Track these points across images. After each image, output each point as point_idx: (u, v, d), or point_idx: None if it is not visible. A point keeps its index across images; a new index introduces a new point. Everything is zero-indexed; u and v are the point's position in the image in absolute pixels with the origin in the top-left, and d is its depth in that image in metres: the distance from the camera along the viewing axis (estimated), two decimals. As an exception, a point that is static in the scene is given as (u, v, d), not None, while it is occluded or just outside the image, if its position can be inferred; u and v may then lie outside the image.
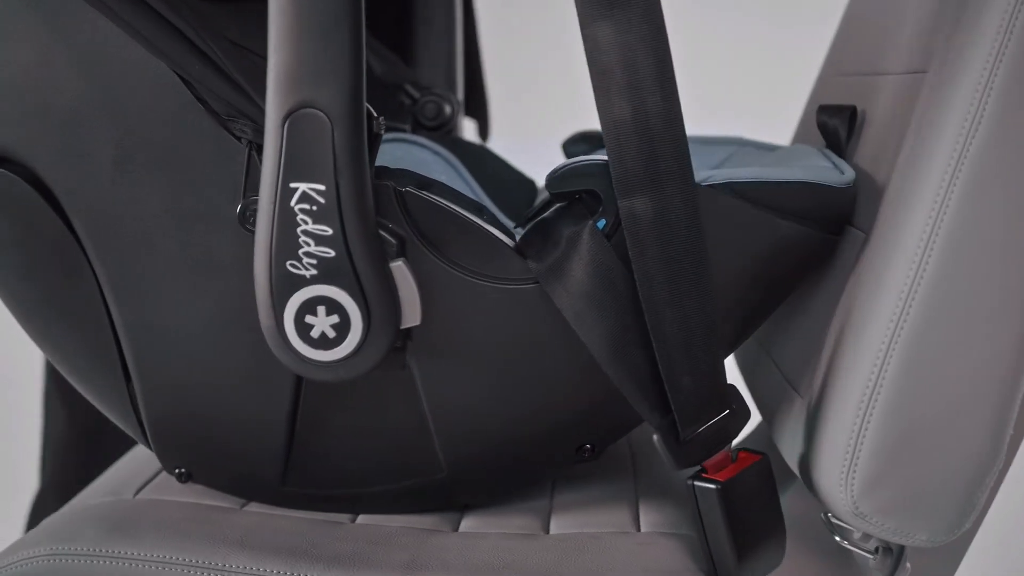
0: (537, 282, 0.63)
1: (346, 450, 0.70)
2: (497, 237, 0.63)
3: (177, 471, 0.72)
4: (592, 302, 0.61)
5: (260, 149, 0.62)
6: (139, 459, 0.80)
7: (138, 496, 0.73)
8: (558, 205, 0.64)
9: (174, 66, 0.61)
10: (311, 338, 0.59)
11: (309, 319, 0.59)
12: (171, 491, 0.73)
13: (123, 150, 0.63)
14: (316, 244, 0.58)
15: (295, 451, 0.69)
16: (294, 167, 0.57)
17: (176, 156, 0.63)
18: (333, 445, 0.69)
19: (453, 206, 0.63)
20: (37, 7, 0.61)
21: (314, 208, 0.57)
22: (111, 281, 0.66)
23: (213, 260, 0.64)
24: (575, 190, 0.63)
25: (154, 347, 0.67)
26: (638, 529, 0.70)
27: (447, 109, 1.01)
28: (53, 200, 0.65)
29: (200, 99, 0.62)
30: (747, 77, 1.59)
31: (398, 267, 0.60)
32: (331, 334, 0.59)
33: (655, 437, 0.60)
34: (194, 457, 0.72)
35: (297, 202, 0.57)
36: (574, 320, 0.62)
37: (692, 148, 0.92)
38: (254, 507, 0.72)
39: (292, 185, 0.57)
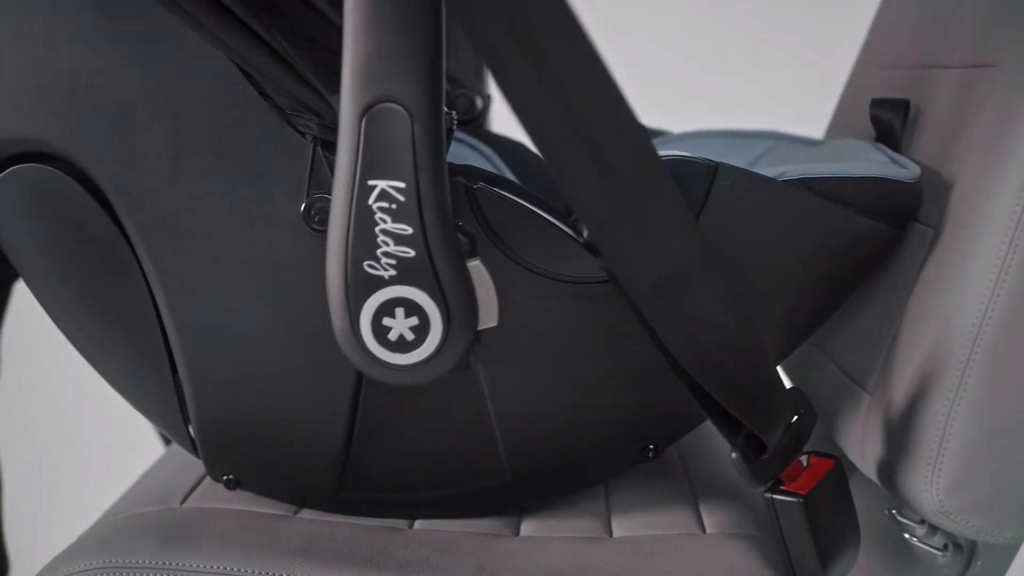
0: (607, 280, 0.62)
1: (406, 454, 0.68)
2: (568, 234, 0.62)
3: (225, 478, 0.70)
4: (668, 305, 0.59)
5: (325, 145, 0.60)
6: (175, 465, 0.78)
7: (185, 504, 0.70)
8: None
9: (238, 59, 0.59)
10: (388, 341, 0.57)
11: (387, 321, 0.57)
12: (219, 499, 0.71)
13: (179, 147, 0.61)
14: (395, 244, 0.56)
15: (352, 456, 0.67)
16: (372, 164, 0.55)
17: (236, 153, 0.60)
18: (392, 449, 0.67)
19: (523, 202, 0.61)
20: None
21: (393, 206, 0.55)
22: (163, 282, 0.63)
23: (273, 260, 0.62)
24: None
25: (208, 350, 0.64)
26: (703, 530, 0.69)
27: (479, 102, 0.99)
28: (102, 198, 0.62)
29: (263, 93, 0.60)
30: (762, 71, 1.59)
31: (475, 266, 0.58)
32: (409, 337, 0.57)
33: (733, 456, 0.59)
34: (244, 463, 0.69)
35: (375, 200, 0.55)
36: (643, 323, 0.60)
37: (729, 142, 0.92)
38: (307, 514, 0.70)
39: (370, 183, 0.55)
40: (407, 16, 0.54)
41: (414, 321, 0.57)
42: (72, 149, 0.61)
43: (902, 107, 0.74)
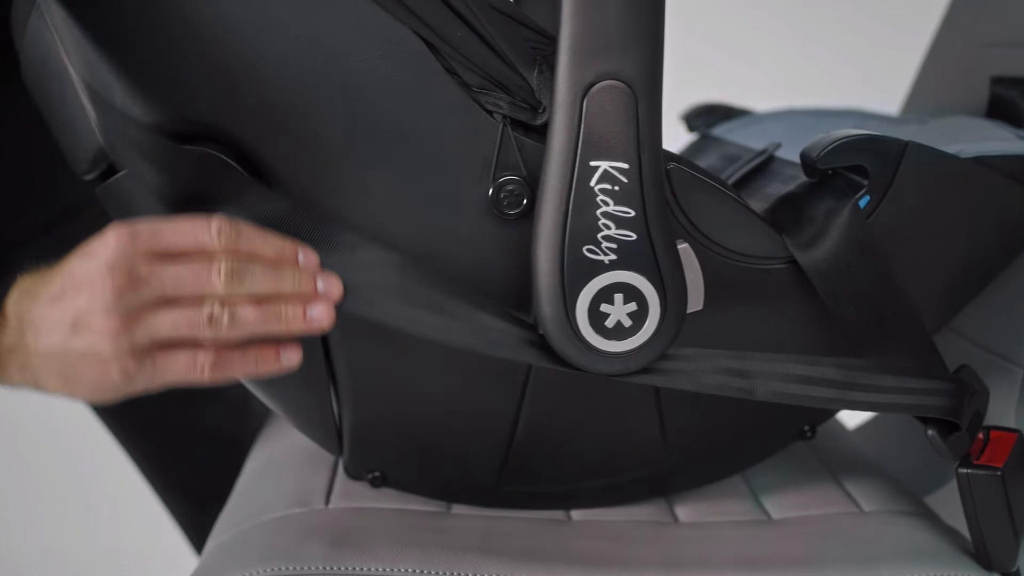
0: (787, 262, 0.61)
1: (568, 447, 0.66)
2: (755, 214, 0.60)
3: (371, 475, 0.66)
4: (850, 284, 0.59)
5: (516, 124, 0.57)
6: (289, 466, 0.74)
7: (332, 505, 0.66)
8: (809, 181, 0.62)
9: (426, 32, 0.55)
10: (605, 328, 0.55)
11: (604, 308, 0.54)
12: (365, 498, 0.67)
13: (354, 126, 0.56)
14: (617, 227, 0.53)
15: (514, 450, 0.65)
16: (594, 144, 0.53)
17: (416, 133, 0.57)
18: (555, 442, 0.65)
19: (713, 181, 0.60)
20: None
21: (616, 188, 0.53)
22: None
23: (451, 248, 0.59)
24: (828, 167, 0.61)
25: (371, 346, 0.61)
26: (860, 508, 0.69)
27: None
28: (265, 182, 0.58)
29: (450, 70, 0.56)
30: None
31: (684, 249, 0.57)
32: (627, 323, 0.55)
33: (929, 432, 0.59)
34: (395, 460, 0.66)
35: (597, 182, 0.53)
36: (829, 301, 0.60)
37: (816, 120, 0.92)
38: (460, 509, 0.67)
39: (592, 163, 0.53)
40: None
41: (632, 307, 0.55)
42: (231, 126, 0.56)
43: (1024, 85, 0.75)
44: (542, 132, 0.56)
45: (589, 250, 0.54)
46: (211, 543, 0.67)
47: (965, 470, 0.60)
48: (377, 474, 0.67)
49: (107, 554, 1.49)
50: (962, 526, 0.65)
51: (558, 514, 0.67)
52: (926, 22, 0.98)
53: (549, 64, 0.55)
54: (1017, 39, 0.81)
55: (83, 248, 0.50)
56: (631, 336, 0.55)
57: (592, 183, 0.53)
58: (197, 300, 0.49)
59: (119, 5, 0.52)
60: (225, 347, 0.50)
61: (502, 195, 0.57)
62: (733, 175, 0.72)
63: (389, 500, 0.67)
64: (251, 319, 0.49)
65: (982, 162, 0.62)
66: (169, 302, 0.49)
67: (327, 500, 0.67)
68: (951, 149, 0.63)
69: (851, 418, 0.91)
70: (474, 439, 0.64)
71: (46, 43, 0.58)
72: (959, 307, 0.69)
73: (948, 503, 0.73)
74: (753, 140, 0.87)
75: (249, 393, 1.03)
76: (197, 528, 1.07)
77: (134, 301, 0.48)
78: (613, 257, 0.54)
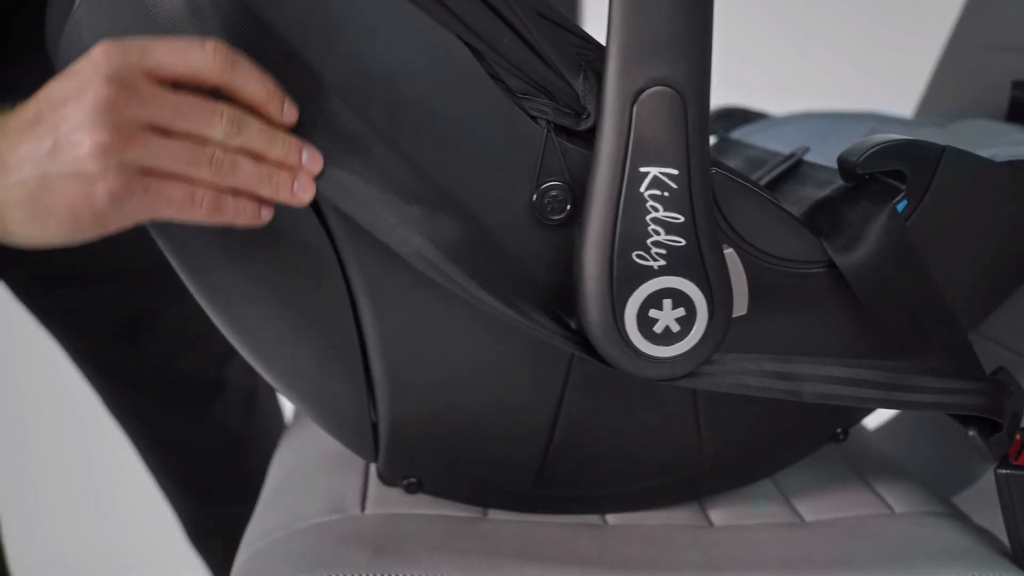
0: (825, 266, 0.61)
1: (607, 450, 0.66)
2: (795, 218, 0.61)
3: (406, 481, 0.66)
4: (889, 287, 0.60)
5: (559, 130, 0.57)
6: (320, 472, 0.73)
7: (367, 512, 0.66)
8: (845, 185, 0.63)
9: (471, 37, 0.55)
10: (653, 333, 0.55)
11: (653, 313, 0.55)
12: (400, 504, 0.67)
13: (396, 134, 0.56)
14: (666, 232, 0.54)
15: (551, 455, 0.65)
16: (644, 150, 0.53)
17: (459, 139, 0.56)
18: (593, 446, 0.65)
19: (751, 185, 0.60)
20: None
21: (666, 194, 0.53)
22: (367, 280, 0.59)
23: (490, 252, 0.59)
24: (867, 172, 0.61)
25: (410, 351, 0.61)
26: (891, 510, 0.69)
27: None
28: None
29: (494, 76, 0.56)
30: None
31: (729, 254, 0.57)
32: (675, 328, 0.55)
33: (970, 433, 0.60)
34: (432, 466, 0.66)
35: (647, 188, 0.53)
36: (868, 304, 0.60)
37: (832, 123, 0.93)
38: (496, 515, 0.67)
39: (642, 169, 0.53)
40: None
41: (680, 312, 0.55)
42: None
43: (1046, 89, 0.75)
44: (585, 138, 0.56)
45: (638, 256, 0.54)
46: (245, 552, 0.67)
47: (1004, 471, 0.61)
48: (413, 480, 0.66)
49: (111, 554, 1.49)
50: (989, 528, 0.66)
51: (593, 518, 0.67)
52: (927, 23, 0.99)
53: (594, 70, 0.55)
54: (999, 43, 0.82)
55: (63, 72, 0.46)
56: (679, 341, 0.56)
57: (642, 189, 0.53)
58: (198, 138, 0.47)
59: None
60: (219, 190, 0.49)
61: (546, 201, 0.57)
62: (762, 179, 0.72)
63: (425, 506, 0.67)
64: (249, 172, 0.49)
65: (1016, 166, 0.63)
66: (165, 132, 0.46)
67: (362, 506, 0.67)
68: (984, 153, 0.64)
69: (868, 420, 0.92)
70: (512, 442, 0.64)
71: None
72: (989, 311, 0.69)
73: (969, 505, 0.74)
74: (772, 143, 0.87)
75: (256, 388, 1.03)
76: (199, 526, 1.06)
77: (129, 116, 0.45)
78: (662, 263, 0.54)
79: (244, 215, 0.50)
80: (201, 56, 0.47)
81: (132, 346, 0.89)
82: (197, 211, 0.48)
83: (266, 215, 0.51)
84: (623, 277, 0.54)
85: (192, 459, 0.98)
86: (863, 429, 0.85)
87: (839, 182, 0.64)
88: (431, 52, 0.55)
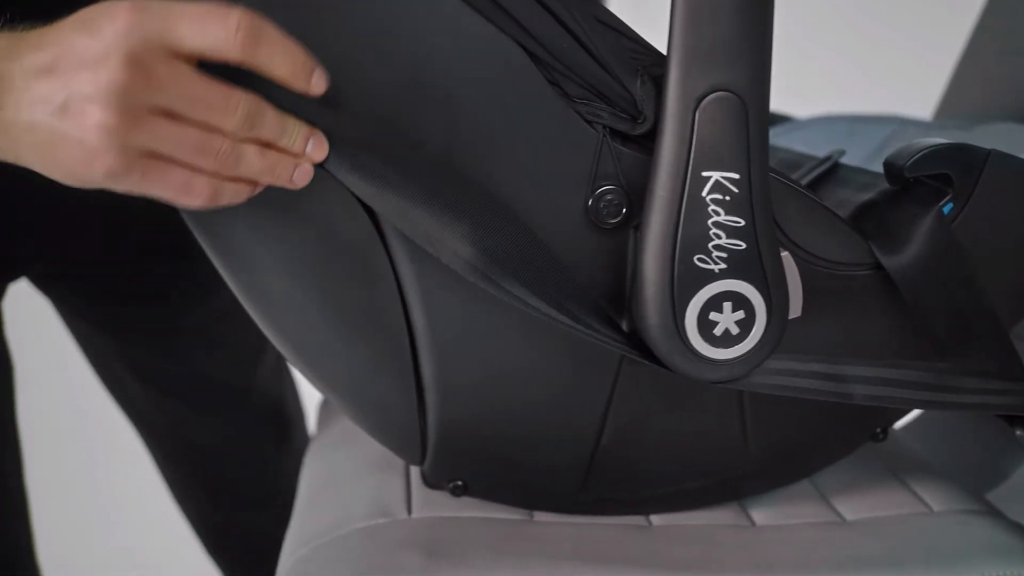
0: (872, 268, 0.62)
1: (654, 452, 0.66)
2: (844, 221, 0.61)
3: (452, 484, 0.66)
4: (935, 289, 0.60)
5: (614, 134, 0.57)
6: (361, 476, 0.73)
7: (414, 515, 0.66)
8: (890, 188, 0.63)
9: (529, 42, 0.55)
10: (713, 336, 0.55)
11: (713, 316, 0.55)
12: (447, 507, 0.67)
13: (453, 134, 0.56)
14: (727, 236, 0.54)
15: (599, 457, 0.65)
16: (706, 154, 0.53)
17: (515, 143, 0.57)
18: (641, 448, 0.66)
19: (800, 188, 0.60)
20: None
21: (727, 198, 0.54)
22: (420, 284, 0.59)
23: (544, 256, 0.59)
24: (914, 175, 0.62)
25: (462, 353, 0.61)
26: (930, 509, 0.70)
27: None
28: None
29: (551, 81, 0.56)
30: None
31: (785, 257, 0.57)
32: (735, 331, 0.56)
33: (1018, 432, 0.61)
34: (478, 469, 0.66)
35: (709, 192, 0.54)
36: (915, 306, 0.61)
37: (852, 126, 0.93)
38: (543, 517, 0.67)
39: (704, 174, 0.53)
40: (746, 1, 0.52)
41: (740, 315, 0.55)
42: (350, 135, 0.56)
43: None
44: (639, 142, 0.57)
45: (700, 259, 0.54)
46: (289, 558, 0.66)
47: None
48: (459, 483, 0.66)
49: (122, 555, 1.48)
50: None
51: (638, 519, 0.68)
52: (926, 22, 1.00)
53: (651, 75, 0.56)
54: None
55: (83, 17, 0.45)
56: (738, 344, 0.56)
57: (704, 193, 0.53)
58: (208, 127, 0.47)
59: None
60: (219, 178, 0.49)
61: (601, 205, 0.57)
62: (801, 182, 0.73)
63: (471, 509, 0.67)
64: (253, 164, 0.49)
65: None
66: (174, 116, 0.46)
67: (408, 510, 0.67)
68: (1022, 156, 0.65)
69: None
70: (560, 445, 0.65)
71: None
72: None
73: (1001, 502, 0.75)
74: (798, 146, 0.88)
75: (284, 396, 1.02)
76: (217, 533, 1.06)
77: (142, 101, 0.45)
78: (723, 266, 0.54)
79: (237, 199, 0.50)
80: (224, 32, 0.46)
81: (162, 348, 0.88)
82: (193, 199, 0.48)
83: (257, 192, 0.52)
84: (684, 280, 0.54)
85: (217, 465, 0.97)
86: (893, 428, 0.86)
87: (880, 185, 0.64)
88: (490, 57, 0.55)
